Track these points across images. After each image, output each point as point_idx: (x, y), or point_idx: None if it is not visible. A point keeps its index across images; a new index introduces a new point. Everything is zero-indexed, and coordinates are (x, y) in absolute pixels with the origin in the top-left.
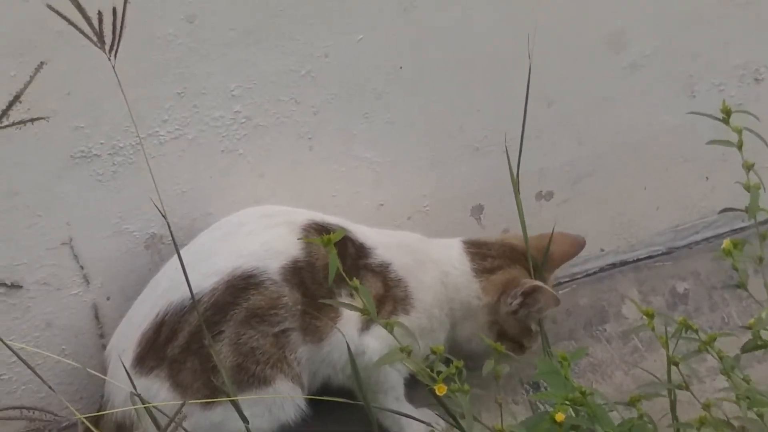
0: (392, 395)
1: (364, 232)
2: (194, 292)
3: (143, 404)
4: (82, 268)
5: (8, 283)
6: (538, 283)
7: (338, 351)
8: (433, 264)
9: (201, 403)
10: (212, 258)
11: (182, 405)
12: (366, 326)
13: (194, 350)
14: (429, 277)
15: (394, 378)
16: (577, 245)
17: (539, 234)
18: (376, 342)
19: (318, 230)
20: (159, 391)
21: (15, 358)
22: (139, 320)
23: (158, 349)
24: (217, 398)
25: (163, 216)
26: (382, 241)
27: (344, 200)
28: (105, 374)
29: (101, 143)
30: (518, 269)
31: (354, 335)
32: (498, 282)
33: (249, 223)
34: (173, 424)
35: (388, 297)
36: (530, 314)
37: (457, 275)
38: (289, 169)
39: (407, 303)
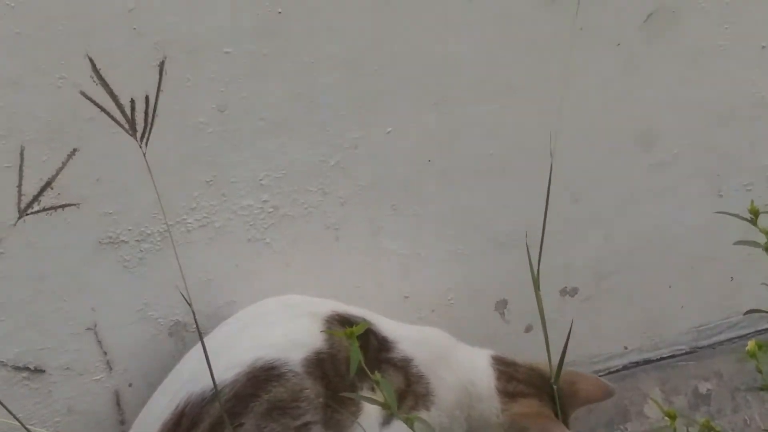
0: None
1: (387, 325)
2: (216, 383)
3: None
4: (105, 353)
5: (31, 367)
6: None
7: None
8: (458, 366)
9: None
10: (234, 349)
11: None
12: (387, 421)
13: None
14: (452, 378)
15: None
16: (606, 393)
17: (571, 370)
18: None
19: (341, 322)
20: None
21: None
22: (159, 410)
23: None
24: None
25: (188, 304)
26: (406, 336)
27: (369, 291)
28: None
29: (129, 229)
30: (544, 401)
31: (375, 429)
32: (520, 413)
33: (271, 313)
34: None
35: (410, 392)
36: None
37: (481, 387)
38: (315, 259)
39: (428, 399)
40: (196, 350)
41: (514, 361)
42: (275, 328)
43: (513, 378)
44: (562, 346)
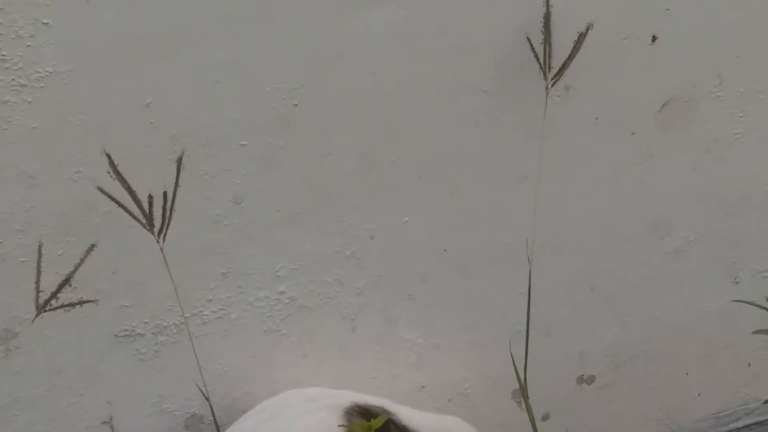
0: None
1: (408, 415)
2: None
3: None
4: None
5: None
6: None
7: None
8: None
9: None
10: None
11: None
12: None
13: None
14: None
15: None
16: None
17: None
18: None
19: (361, 413)
20: None
21: None
22: None
23: None
24: None
25: (206, 398)
26: (428, 425)
27: (385, 381)
28: None
29: (145, 322)
30: None
31: None
32: None
33: (292, 406)
34: None
35: None
36: None
37: None
38: (332, 350)
39: None
40: None
41: None
42: (295, 421)
43: None
44: None
